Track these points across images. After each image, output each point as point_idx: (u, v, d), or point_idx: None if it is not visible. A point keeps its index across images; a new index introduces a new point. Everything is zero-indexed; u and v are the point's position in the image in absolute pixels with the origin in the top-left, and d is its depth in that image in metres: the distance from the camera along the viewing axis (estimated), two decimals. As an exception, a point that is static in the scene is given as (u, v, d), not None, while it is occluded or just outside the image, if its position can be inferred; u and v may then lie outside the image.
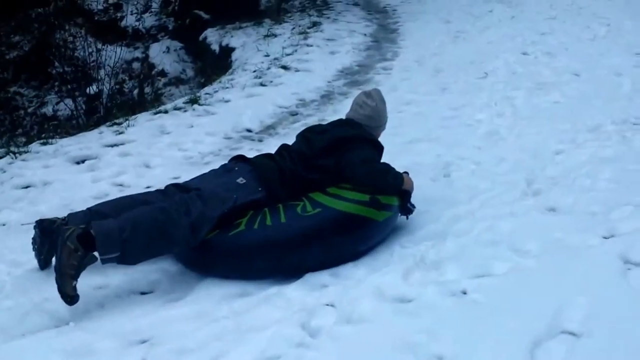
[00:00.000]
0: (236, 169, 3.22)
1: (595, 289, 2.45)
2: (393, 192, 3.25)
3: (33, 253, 2.99)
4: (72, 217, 2.95)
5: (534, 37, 7.85)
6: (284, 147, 3.46)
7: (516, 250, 2.91)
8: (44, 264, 2.97)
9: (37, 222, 2.95)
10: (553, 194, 3.57)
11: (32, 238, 2.99)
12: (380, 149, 3.47)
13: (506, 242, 3.01)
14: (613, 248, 2.76)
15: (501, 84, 6.26)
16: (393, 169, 3.31)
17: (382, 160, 3.43)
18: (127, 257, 2.76)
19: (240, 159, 3.39)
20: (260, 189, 3.09)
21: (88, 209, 3.04)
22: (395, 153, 4.24)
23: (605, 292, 2.42)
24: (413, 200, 3.45)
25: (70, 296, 2.60)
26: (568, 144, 4.47)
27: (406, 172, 3.46)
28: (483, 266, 2.79)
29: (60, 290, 2.59)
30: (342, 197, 3.09)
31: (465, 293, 2.59)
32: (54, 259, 2.79)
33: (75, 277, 2.62)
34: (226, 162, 3.45)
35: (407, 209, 3.39)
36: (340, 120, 3.63)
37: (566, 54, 7.07)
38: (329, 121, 3.81)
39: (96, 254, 2.69)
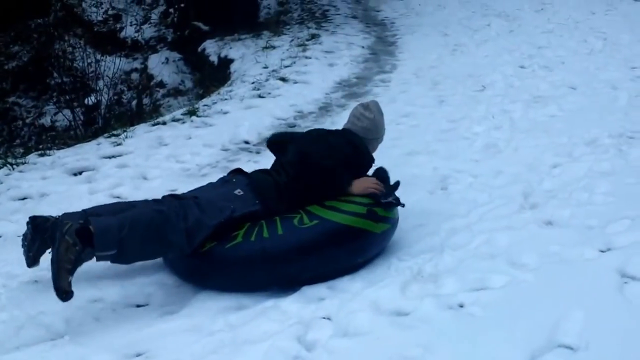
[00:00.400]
0: (234, 180, 3.23)
1: (592, 302, 2.44)
2: (328, 174, 3.15)
3: (22, 250, 2.94)
4: (67, 216, 2.93)
5: (531, 51, 7.89)
6: (278, 162, 3.47)
7: (513, 264, 2.91)
8: (31, 262, 2.92)
9: (30, 218, 2.93)
10: (550, 207, 3.57)
11: (23, 234, 2.95)
12: (362, 156, 3.43)
13: (503, 256, 3.00)
14: (610, 262, 2.76)
15: (499, 97, 6.28)
16: (343, 166, 3.23)
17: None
18: (123, 255, 2.76)
19: (238, 172, 3.39)
20: (257, 201, 3.09)
21: (83, 210, 3.03)
22: (393, 165, 4.23)
23: (602, 306, 2.41)
24: (411, 213, 3.44)
25: (65, 291, 2.57)
26: (565, 157, 4.48)
27: (371, 177, 3.37)
28: (480, 279, 2.79)
29: (55, 284, 2.57)
30: (339, 209, 3.09)
31: (462, 306, 2.58)
32: (41, 258, 2.80)
33: (72, 271, 2.60)
34: (224, 174, 3.46)
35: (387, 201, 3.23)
36: (336, 130, 3.64)
37: (563, 67, 7.11)
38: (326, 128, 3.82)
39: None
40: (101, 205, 3.18)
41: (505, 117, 5.63)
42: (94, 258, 2.73)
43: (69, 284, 2.59)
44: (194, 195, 3.09)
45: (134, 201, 3.24)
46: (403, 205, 3.31)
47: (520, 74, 7.00)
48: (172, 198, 3.13)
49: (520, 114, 5.68)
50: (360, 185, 3.20)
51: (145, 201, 3.17)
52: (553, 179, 4.09)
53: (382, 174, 3.45)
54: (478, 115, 5.77)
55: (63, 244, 2.60)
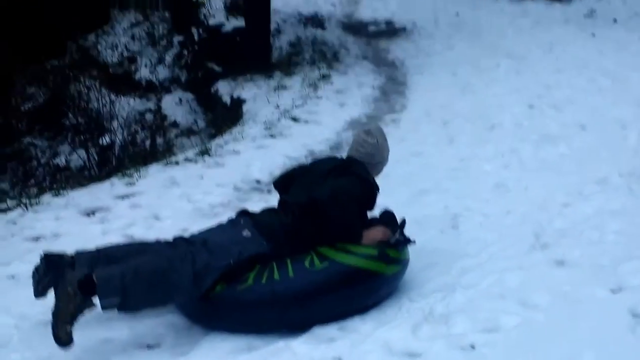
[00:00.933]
0: (241, 222, 3.25)
1: (604, 343, 2.43)
2: (342, 227, 3.18)
3: (31, 280, 2.97)
4: (79, 255, 2.97)
5: (540, 90, 7.92)
6: (284, 201, 3.48)
7: (524, 304, 2.90)
8: (39, 294, 2.95)
9: (44, 254, 2.97)
10: (561, 247, 3.57)
11: (35, 267, 2.98)
12: (371, 188, 3.43)
13: (515, 296, 3.00)
14: (622, 302, 2.75)
15: (508, 136, 6.31)
16: (357, 216, 3.28)
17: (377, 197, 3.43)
18: (128, 303, 2.76)
19: (245, 213, 3.41)
20: (264, 242, 3.10)
21: (97, 249, 3.06)
22: (403, 204, 4.27)
23: (614, 347, 2.40)
24: (422, 252, 3.45)
25: (62, 340, 2.60)
26: (575, 196, 4.48)
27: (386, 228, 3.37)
28: (491, 320, 2.78)
29: (54, 333, 2.60)
30: (350, 251, 3.10)
31: (473, 347, 2.58)
32: (50, 292, 2.81)
33: (71, 322, 2.63)
34: (233, 215, 3.48)
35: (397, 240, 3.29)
36: (341, 160, 3.64)
37: (572, 106, 7.13)
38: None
39: (96, 301, 2.70)
40: (114, 245, 3.21)
41: (514, 156, 5.66)
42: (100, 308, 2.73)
43: (67, 333, 2.61)
44: (203, 239, 3.10)
45: (145, 241, 3.27)
46: (414, 242, 3.33)
47: (529, 113, 7.04)
48: (182, 241, 3.15)
49: (529, 153, 5.70)
50: (370, 237, 3.24)
51: (157, 242, 3.20)
52: (563, 218, 4.09)
53: (388, 217, 3.48)
54: (487, 154, 5.80)
55: (64, 294, 2.63)
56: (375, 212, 3.55)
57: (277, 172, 5.73)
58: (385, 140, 3.66)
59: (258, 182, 5.52)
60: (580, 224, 3.88)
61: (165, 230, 4.24)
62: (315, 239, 3.16)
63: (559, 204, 4.37)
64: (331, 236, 3.15)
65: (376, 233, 3.27)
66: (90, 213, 4.73)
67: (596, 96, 7.46)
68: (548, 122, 6.63)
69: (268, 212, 3.42)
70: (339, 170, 3.43)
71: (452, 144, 6.30)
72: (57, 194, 5.20)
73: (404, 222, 3.40)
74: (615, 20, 11.02)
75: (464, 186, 5.03)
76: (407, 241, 3.32)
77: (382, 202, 3.63)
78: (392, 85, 9.44)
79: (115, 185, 5.43)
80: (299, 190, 3.42)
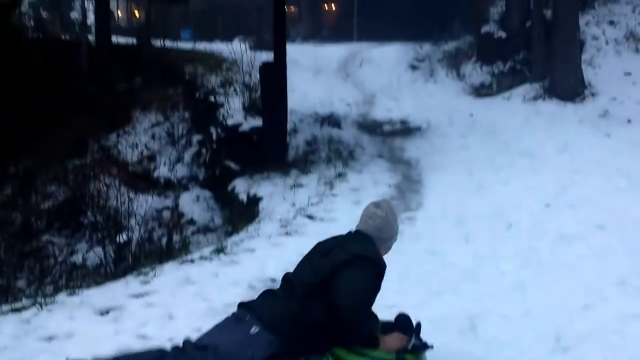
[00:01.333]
0: (247, 319, 3.16)
1: None
2: (361, 336, 3.13)
3: None
4: None
5: (556, 189, 7.94)
6: (288, 278, 3.37)
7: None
8: None
9: None
10: (583, 351, 3.48)
11: None
12: (381, 269, 3.34)
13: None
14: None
15: (525, 235, 6.28)
16: (374, 318, 3.22)
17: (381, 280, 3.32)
18: None
19: (248, 307, 3.28)
20: (273, 337, 3.02)
21: (115, 358, 3.02)
22: (421, 305, 4.21)
23: None
24: (440, 355, 3.36)
25: None
26: (595, 297, 4.40)
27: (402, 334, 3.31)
28: None
29: None
30: (367, 355, 3.04)
31: None
32: None
33: None
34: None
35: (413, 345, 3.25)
36: (349, 234, 3.56)
37: (589, 206, 7.11)
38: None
39: None
40: (128, 355, 3.16)
41: (532, 256, 5.61)
42: None
43: None
44: (215, 345, 3.03)
45: (156, 349, 3.20)
46: (431, 347, 3.26)
47: (546, 212, 7.02)
48: (192, 346, 3.08)
49: (547, 253, 5.65)
50: (387, 345, 3.18)
51: (166, 351, 3.13)
52: (584, 320, 4.00)
53: (404, 321, 3.41)
54: (505, 254, 5.75)
55: None
56: (390, 316, 3.48)
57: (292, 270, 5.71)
58: (394, 215, 3.59)
59: (273, 280, 5.49)
60: (601, 327, 3.80)
61: (179, 330, 4.20)
62: (327, 331, 3.09)
63: (579, 305, 4.29)
64: (348, 341, 3.08)
65: (394, 341, 3.21)
66: (104, 312, 4.71)
67: (613, 196, 7.45)
68: (565, 221, 6.60)
69: (270, 299, 3.29)
70: (348, 252, 3.28)
71: (469, 243, 6.26)
72: (72, 293, 5.20)
73: (419, 325, 3.34)
74: (629, 121, 11.16)
75: (482, 286, 4.96)
76: (424, 346, 3.25)
77: (399, 302, 3.59)
78: (408, 184, 9.51)
79: (130, 283, 5.42)
80: (304, 268, 3.34)
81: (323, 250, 3.40)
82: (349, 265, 3.19)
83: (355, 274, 3.19)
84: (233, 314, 3.35)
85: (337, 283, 3.13)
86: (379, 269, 3.33)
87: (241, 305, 3.34)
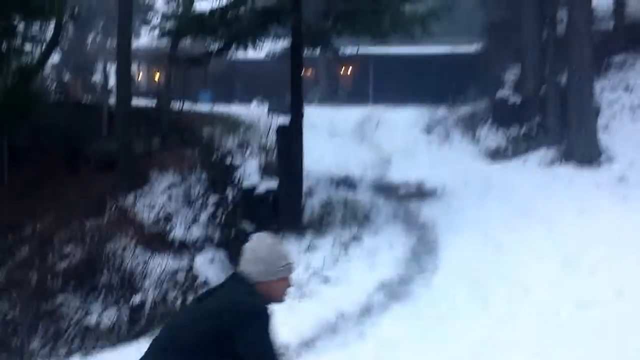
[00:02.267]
0: None
1: None
2: None
3: None
4: None
5: (573, 253, 7.82)
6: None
7: None
8: None
9: None
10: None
11: None
12: (268, 321, 2.67)
13: None
14: None
15: (543, 300, 6.18)
16: None
17: None
18: None
19: None
20: None
21: None
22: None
23: None
24: None
25: None
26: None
27: None
28: None
29: None
30: None
31: None
32: None
33: None
34: None
35: None
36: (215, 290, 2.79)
37: (607, 270, 6.99)
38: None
39: None
40: None
41: (551, 320, 5.49)
42: None
43: None
44: None
45: None
46: None
47: (564, 277, 6.92)
48: None
49: (567, 319, 5.55)
50: None
51: None
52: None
53: None
54: (523, 319, 5.65)
55: None
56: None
57: (308, 334, 5.65)
58: (269, 246, 2.87)
59: (287, 345, 5.42)
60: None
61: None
62: None
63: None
64: None
65: None
66: (116, 377, 4.66)
67: (632, 259, 7.34)
68: (584, 286, 6.49)
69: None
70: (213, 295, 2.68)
71: (486, 309, 6.17)
72: (85, 355, 5.16)
73: None
74: (647, 186, 11.11)
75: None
76: None
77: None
78: (423, 246, 9.44)
79: (142, 346, 5.36)
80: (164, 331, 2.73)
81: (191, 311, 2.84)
82: (240, 331, 2.52)
83: (250, 337, 2.53)
84: None
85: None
86: (267, 320, 2.71)
87: None
